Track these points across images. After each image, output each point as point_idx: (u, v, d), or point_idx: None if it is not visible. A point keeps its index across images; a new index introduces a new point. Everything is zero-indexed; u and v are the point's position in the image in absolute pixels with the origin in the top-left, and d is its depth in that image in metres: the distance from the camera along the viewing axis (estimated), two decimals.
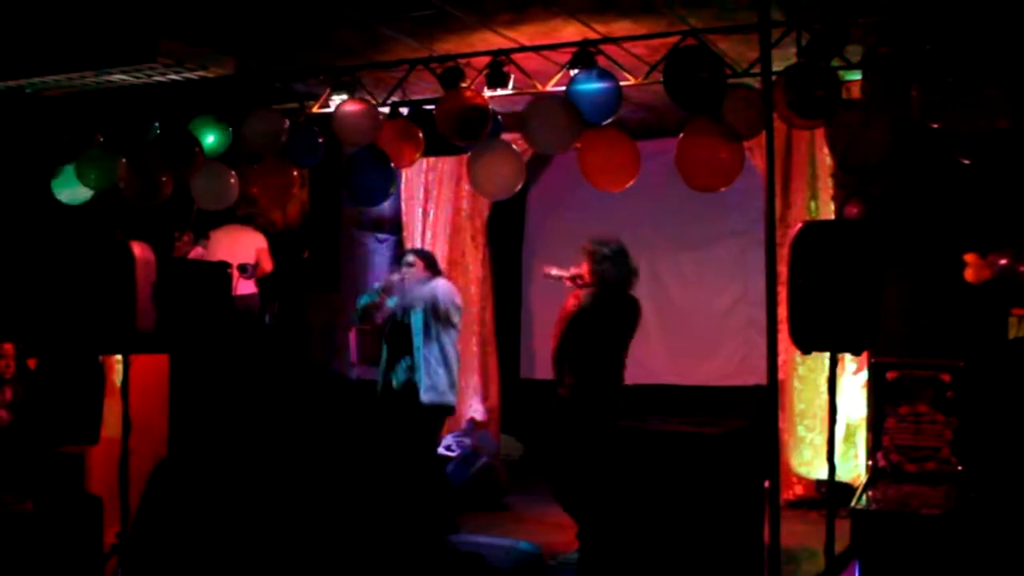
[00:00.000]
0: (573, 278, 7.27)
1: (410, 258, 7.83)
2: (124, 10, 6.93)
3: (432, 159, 9.95)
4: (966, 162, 5.79)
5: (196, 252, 8.93)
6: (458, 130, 6.74)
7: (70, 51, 7.37)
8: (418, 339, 7.61)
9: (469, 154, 6.94)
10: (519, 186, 6.96)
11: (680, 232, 10.29)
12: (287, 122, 7.29)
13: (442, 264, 10.21)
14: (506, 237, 11.09)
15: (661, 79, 6.58)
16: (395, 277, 7.79)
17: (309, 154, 7.39)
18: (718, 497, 5.45)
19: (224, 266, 8.34)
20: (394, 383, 7.70)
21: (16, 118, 8.19)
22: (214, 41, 7.44)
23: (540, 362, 10.93)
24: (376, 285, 7.93)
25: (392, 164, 7.19)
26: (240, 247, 9.06)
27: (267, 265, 9.14)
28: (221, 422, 6.67)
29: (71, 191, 7.86)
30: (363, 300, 7.92)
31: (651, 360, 10.26)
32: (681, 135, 6.30)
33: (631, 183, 6.68)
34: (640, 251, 10.33)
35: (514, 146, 6.96)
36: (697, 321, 10.31)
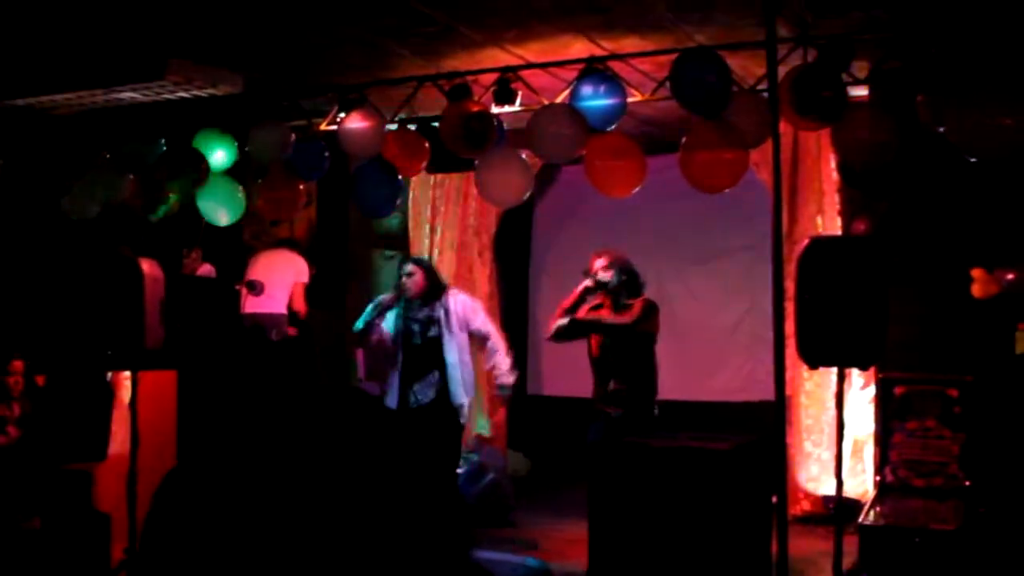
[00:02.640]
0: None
1: (409, 267, 7.63)
2: (133, 29, 6.97)
3: (439, 176, 9.96)
4: (972, 160, 5.79)
5: (204, 269, 8.95)
6: (464, 140, 6.76)
7: (80, 70, 7.41)
8: (451, 356, 7.58)
9: (476, 164, 6.95)
10: (527, 194, 6.99)
11: (686, 247, 10.30)
12: (292, 134, 7.31)
13: (449, 280, 10.23)
14: (513, 253, 11.10)
15: (667, 95, 6.61)
16: (386, 298, 7.67)
17: (314, 167, 7.40)
18: (726, 512, 5.46)
19: (230, 283, 8.38)
20: (412, 400, 7.65)
21: (26, 136, 8.23)
22: (223, 59, 7.47)
23: (547, 378, 10.94)
24: (370, 307, 7.73)
25: (399, 175, 7.22)
26: (274, 272, 9.01)
27: (298, 304, 8.99)
28: (230, 438, 6.66)
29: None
30: (359, 324, 7.81)
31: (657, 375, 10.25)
32: (685, 138, 6.33)
33: (638, 188, 6.70)
34: (647, 266, 10.34)
35: (523, 155, 6.98)
36: (704, 336, 10.29)
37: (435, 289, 7.64)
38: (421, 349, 7.62)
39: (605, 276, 7.16)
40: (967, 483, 6.59)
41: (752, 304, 9.78)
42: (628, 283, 7.21)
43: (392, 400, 7.61)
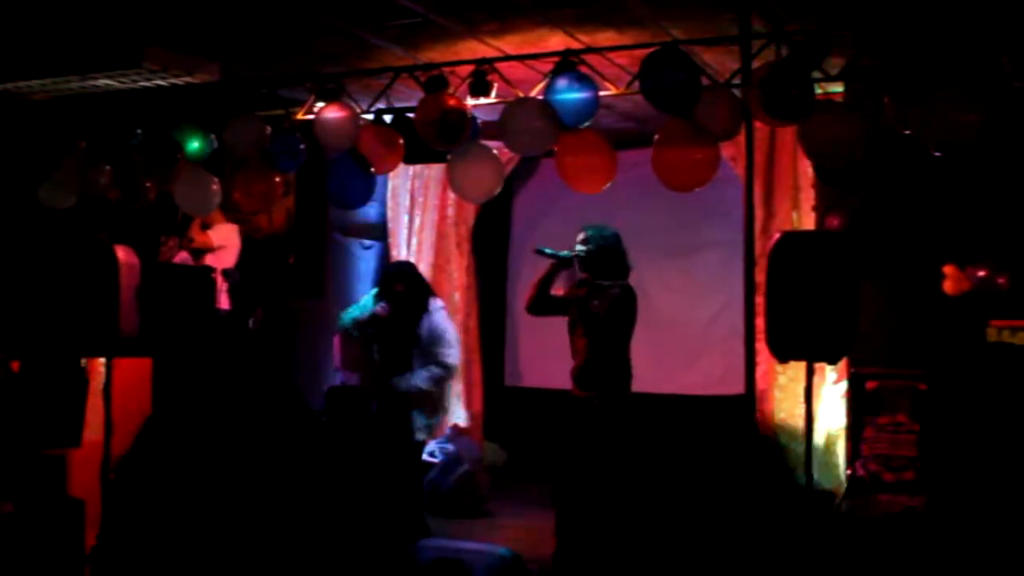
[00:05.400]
0: (568, 259, 7.16)
1: (392, 283, 7.80)
2: (110, 16, 6.95)
3: (418, 166, 9.97)
4: (937, 154, 5.83)
5: (181, 257, 8.95)
6: (437, 134, 6.77)
7: (55, 55, 7.39)
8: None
9: (448, 158, 6.96)
10: (498, 189, 6.99)
11: (664, 241, 10.32)
12: (268, 128, 7.29)
13: (427, 271, 10.26)
14: (491, 244, 11.12)
15: None
16: (380, 310, 7.75)
17: (290, 159, 7.39)
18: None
19: (208, 271, 8.37)
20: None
21: (1, 122, 8.20)
22: (199, 47, 7.46)
23: (525, 369, 10.97)
24: (359, 315, 7.86)
25: (372, 169, 7.22)
26: (233, 244, 9.16)
27: None
28: (201, 425, 6.69)
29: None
30: (348, 320, 7.89)
31: (634, 368, 10.28)
32: (656, 136, 6.34)
33: (608, 185, 6.71)
34: None
35: (495, 152, 6.97)
36: (680, 330, 10.33)
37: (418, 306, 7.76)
38: (399, 343, 7.74)
39: (581, 248, 7.05)
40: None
41: (729, 298, 9.81)
42: (604, 260, 7.05)
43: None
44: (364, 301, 7.94)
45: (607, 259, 7.05)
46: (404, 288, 7.72)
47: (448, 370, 7.77)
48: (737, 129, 6.14)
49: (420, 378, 7.63)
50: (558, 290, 7.28)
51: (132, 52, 7.16)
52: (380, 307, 7.71)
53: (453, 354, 7.78)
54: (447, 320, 7.93)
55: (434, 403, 7.77)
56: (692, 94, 6.10)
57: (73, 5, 6.80)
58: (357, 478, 6.75)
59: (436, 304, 7.88)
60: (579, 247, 7.06)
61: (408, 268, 8.26)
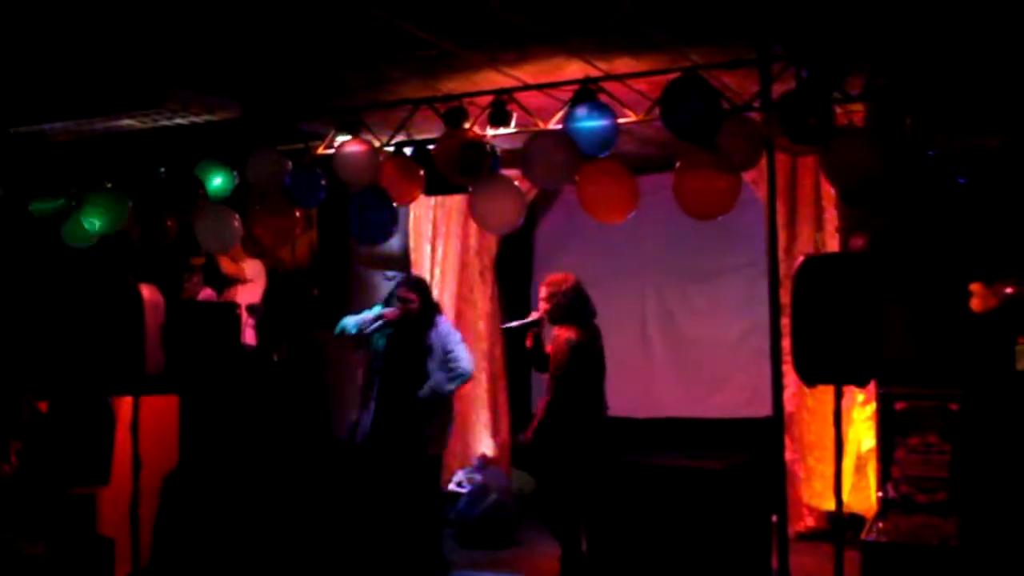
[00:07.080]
0: (535, 322, 7.46)
1: (405, 293, 7.71)
2: (133, 58, 7.01)
3: (440, 195, 9.98)
4: (962, 181, 5.81)
5: (205, 294, 8.98)
6: (457, 168, 6.77)
7: (80, 98, 7.45)
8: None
9: (470, 191, 6.97)
10: (520, 221, 6.99)
11: (689, 265, 10.30)
12: (288, 163, 7.31)
13: (451, 300, 10.25)
14: (515, 272, 11.11)
15: None
16: (388, 312, 7.69)
17: (311, 195, 7.41)
18: (721, 531, 5.46)
19: (233, 307, 8.40)
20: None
21: (28, 162, 8.27)
22: (221, 86, 7.50)
23: None
24: (364, 316, 7.75)
25: (394, 203, 7.22)
26: (260, 278, 9.24)
27: None
28: (229, 460, 6.72)
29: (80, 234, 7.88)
30: (352, 327, 7.77)
31: (661, 393, 10.26)
32: (677, 163, 6.33)
33: (630, 214, 6.70)
34: (649, 284, 10.44)
35: (516, 183, 6.97)
36: (707, 353, 10.29)
37: (427, 318, 7.71)
38: (397, 373, 7.67)
39: (546, 306, 7.40)
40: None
41: (755, 320, 9.73)
42: (568, 310, 7.36)
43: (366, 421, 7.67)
44: (367, 311, 7.87)
45: (570, 308, 7.37)
46: (416, 298, 7.68)
47: (464, 375, 7.71)
48: (757, 158, 6.11)
49: (440, 379, 7.57)
50: (549, 347, 7.51)
51: (154, 93, 7.23)
52: (390, 309, 7.68)
53: (467, 359, 7.73)
54: (455, 331, 7.93)
55: (444, 410, 7.73)
56: (713, 123, 6.08)
57: (96, 49, 6.86)
58: (379, 506, 6.71)
59: (442, 319, 7.88)
60: (542, 304, 7.43)
61: (421, 282, 8.20)
